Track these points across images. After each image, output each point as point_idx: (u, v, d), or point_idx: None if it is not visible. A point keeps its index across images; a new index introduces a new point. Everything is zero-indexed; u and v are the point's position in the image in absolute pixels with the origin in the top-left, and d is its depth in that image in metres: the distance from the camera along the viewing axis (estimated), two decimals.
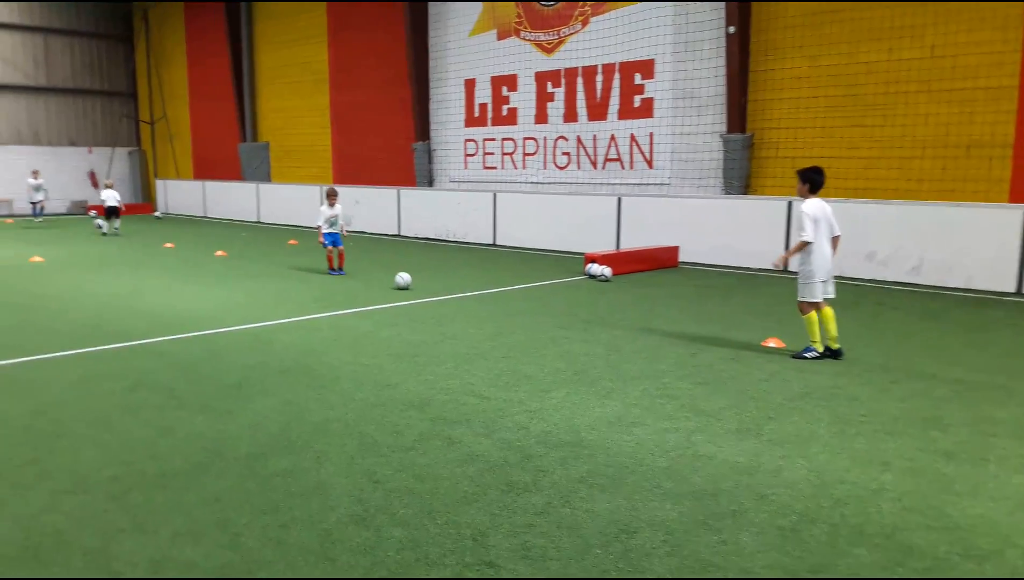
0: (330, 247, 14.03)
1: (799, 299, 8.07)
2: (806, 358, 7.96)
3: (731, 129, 15.75)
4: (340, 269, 14.13)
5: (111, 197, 21.65)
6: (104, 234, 21.72)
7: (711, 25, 15.93)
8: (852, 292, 12.51)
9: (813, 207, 8.00)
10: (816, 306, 7.96)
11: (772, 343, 8.63)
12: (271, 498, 4.52)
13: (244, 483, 4.73)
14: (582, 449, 5.34)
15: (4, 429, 5.71)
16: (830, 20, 14.53)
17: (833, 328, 7.96)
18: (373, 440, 5.47)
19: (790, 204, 14.56)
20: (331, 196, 13.97)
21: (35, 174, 24.65)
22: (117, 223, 21.78)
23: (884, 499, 4.61)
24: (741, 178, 15.79)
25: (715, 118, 16.18)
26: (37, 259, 15.92)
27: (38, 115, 31.30)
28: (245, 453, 5.22)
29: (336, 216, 13.88)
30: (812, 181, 8.11)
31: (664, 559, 3.87)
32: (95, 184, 32.88)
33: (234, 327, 9.32)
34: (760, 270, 14.79)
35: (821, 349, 8.01)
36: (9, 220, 27.85)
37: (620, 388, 6.84)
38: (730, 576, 3.73)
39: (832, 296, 8.03)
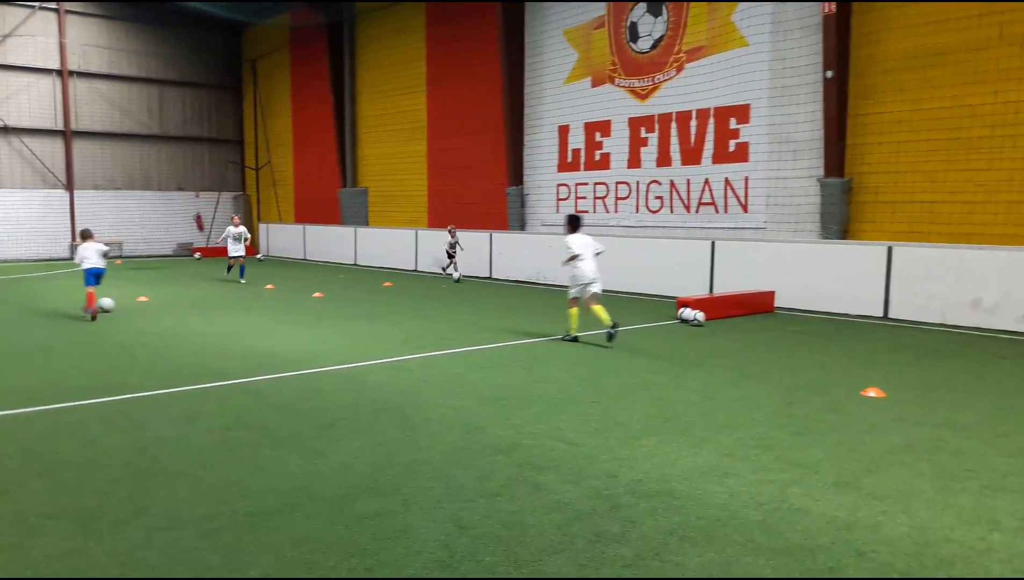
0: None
1: (568, 297, 11.53)
2: (565, 340, 11.38)
3: (829, 173, 15.31)
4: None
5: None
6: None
7: (808, 70, 15.63)
8: (957, 340, 11.85)
9: (575, 239, 11.31)
10: (576, 303, 11.35)
11: (872, 393, 8.24)
12: (358, 540, 4.54)
13: (332, 524, 4.77)
14: (673, 500, 5.18)
15: (106, 465, 5.91)
16: (932, 64, 14.03)
17: (604, 317, 11.05)
18: (460, 484, 5.45)
19: (890, 250, 14.00)
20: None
21: (235, 220, 21.04)
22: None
23: (993, 560, 4.29)
24: (839, 222, 15.27)
25: (812, 162, 15.77)
26: (143, 299, 16.75)
27: (150, 161, 33.27)
28: (334, 494, 5.28)
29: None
30: (573, 223, 11.54)
31: None
32: (200, 227, 34.66)
33: (329, 367, 9.54)
34: (860, 317, 14.20)
35: (575, 334, 11.41)
36: (119, 261, 29.55)
37: (713, 437, 6.62)
38: None
39: (600, 293, 11.25)
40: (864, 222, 15.17)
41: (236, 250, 20.65)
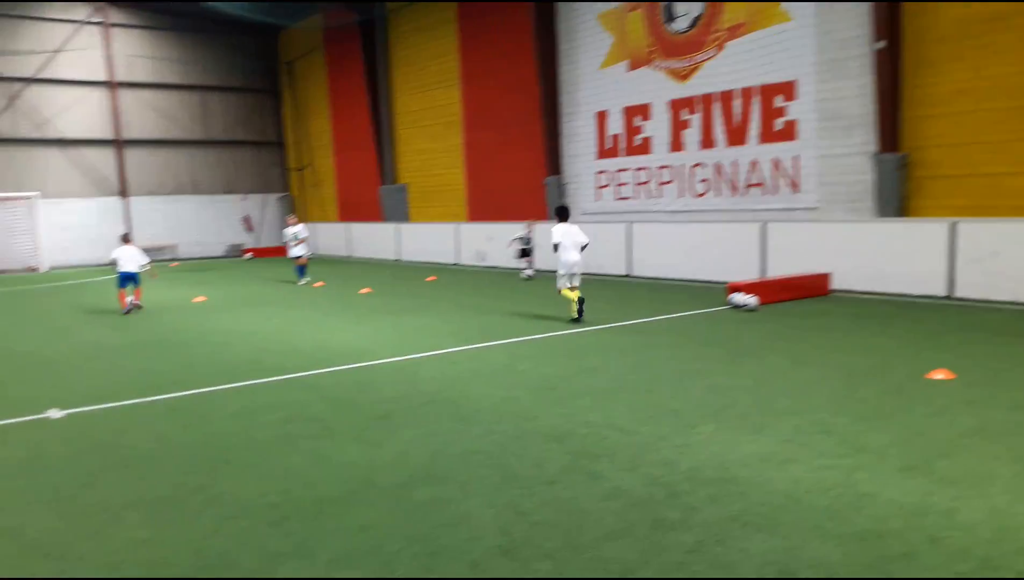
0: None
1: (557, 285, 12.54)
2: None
3: (883, 149, 14.89)
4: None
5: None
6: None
7: (856, 42, 15.20)
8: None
9: (559, 229, 12.21)
10: (568, 290, 12.33)
11: (940, 375, 7.96)
12: (419, 527, 4.57)
13: (393, 511, 4.82)
14: (733, 486, 5.09)
15: (176, 457, 6.11)
16: (992, 29, 13.51)
17: (574, 302, 12.18)
18: (515, 473, 5.45)
19: (954, 226, 13.56)
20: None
21: (289, 221, 21.17)
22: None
23: None
24: (896, 200, 14.85)
25: (865, 138, 15.35)
26: (200, 299, 17.14)
27: (197, 166, 33.98)
28: (393, 482, 5.33)
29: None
30: (560, 214, 12.59)
31: None
32: (250, 228, 35.30)
33: (380, 361, 9.63)
34: (921, 297, 13.80)
35: (575, 314, 12.12)
36: (174, 264, 30.25)
37: (772, 423, 6.50)
38: None
39: (577, 285, 12.33)
40: (923, 198, 14.72)
41: (294, 250, 20.23)
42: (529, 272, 19.84)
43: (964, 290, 13.49)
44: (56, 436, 6.82)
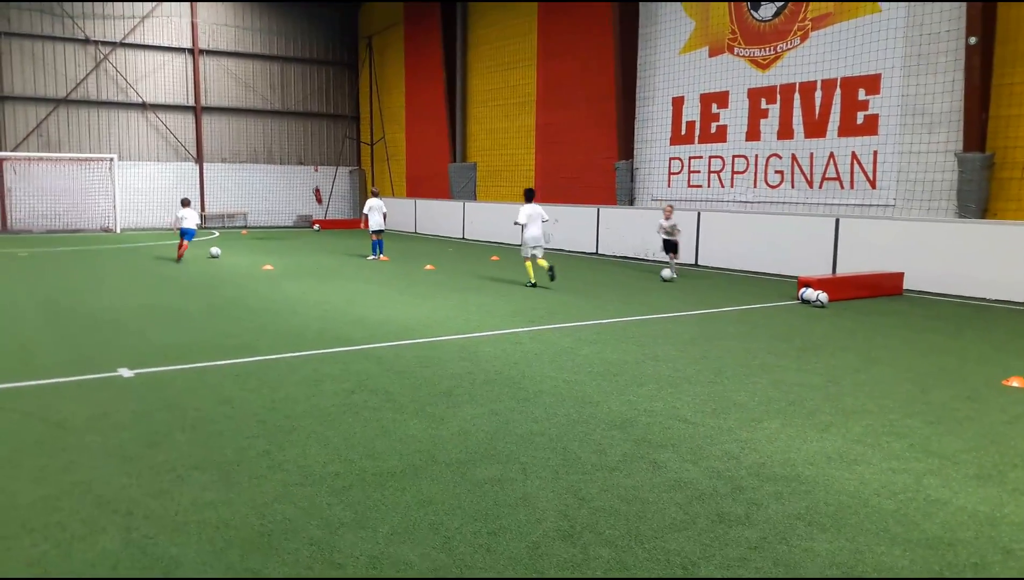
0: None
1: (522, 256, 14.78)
2: (527, 286, 14.49)
3: (968, 147, 14.31)
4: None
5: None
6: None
7: (948, 36, 14.61)
8: None
9: (524, 209, 14.50)
10: (528, 259, 14.67)
11: (1016, 382, 7.69)
12: (480, 505, 4.61)
13: (455, 488, 4.87)
14: (799, 484, 5.00)
15: (242, 422, 6.23)
16: None
17: (543, 264, 14.38)
18: (576, 457, 5.45)
19: None
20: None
21: (374, 194, 20.95)
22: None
23: None
24: (979, 201, 14.28)
25: (949, 136, 14.78)
26: (268, 267, 17.53)
27: (272, 135, 34.73)
28: (455, 458, 5.38)
29: None
30: (526, 196, 14.77)
31: None
32: (319, 200, 35.94)
33: (442, 337, 9.72)
34: (999, 301, 13.28)
35: (534, 281, 14.62)
36: (244, 232, 31.00)
37: (840, 422, 6.36)
38: None
39: (540, 256, 14.58)
40: (1007, 201, 14.13)
41: (372, 224, 19.92)
42: (669, 273, 15.96)
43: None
44: (126, 395, 6.97)
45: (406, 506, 4.59)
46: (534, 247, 14.54)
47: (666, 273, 15.96)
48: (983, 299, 13.58)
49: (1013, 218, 13.94)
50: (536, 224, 14.45)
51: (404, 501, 4.66)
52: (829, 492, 4.88)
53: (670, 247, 16.27)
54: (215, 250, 19.96)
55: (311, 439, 5.79)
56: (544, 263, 14.42)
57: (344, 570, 3.84)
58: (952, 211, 14.78)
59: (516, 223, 14.64)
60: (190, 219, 18.53)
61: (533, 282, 14.62)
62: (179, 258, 18.53)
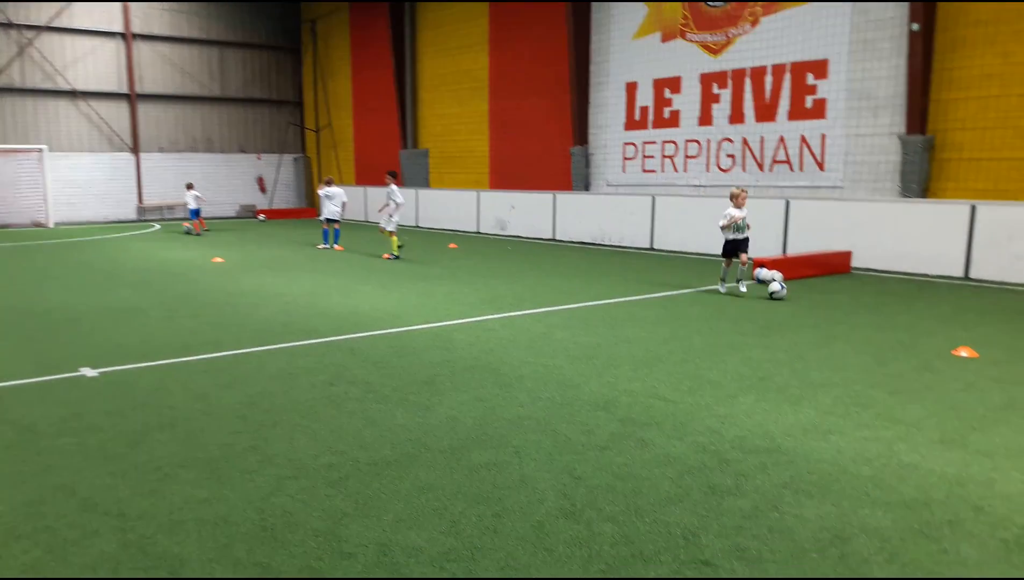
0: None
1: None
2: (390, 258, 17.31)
3: (911, 130, 14.87)
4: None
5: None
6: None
7: (891, 23, 15.12)
8: None
9: (399, 189, 17.42)
10: (389, 234, 17.52)
11: (964, 353, 8.14)
12: (480, 488, 4.70)
13: (452, 474, 4.94)
14: (780, 455, 5.23)
15: (222, 418, 6.13)
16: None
17: (394, 244, 17.40)
18: (566, 438, 5.58)
19: (974, 208, 13.61)
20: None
21: (328, 182, 20.49)
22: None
23: None
24: (920, 181, 14.87)
25: (893, 119, 15.33)
26: (218, 260, 17.21)
27: (212, 123, 33.79)
28: (447, 445, 5.46)
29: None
30: (395, 176, 17.48)
31: (884, 566, 3.78)
32: (263, 189, 35.26)
33: (414, 327, 9.74)
34: (939, 277, 13.90)
35: (397, 253, 17.28)
36: (186, 223, 30.14)
37: (810, 395, 6.63)
38: None
39: (393, 229, 17.42)
40: (946, 181, 14.75)
41: (325, 212, 19.96)
42: (740, 285, 12.20)
43: (980, 272, 13.61)
44: (94, 395, 6.78)
45: (406, 493, 4.65)
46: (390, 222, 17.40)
47: (741, 286, 12.09)
48: (925, 275, 14.17)
49: (952, 197, 14.56)
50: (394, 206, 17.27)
51: (404, 489, 4.72)
52: (809, 462, 5.12)
53: (738, 248, 12.03)
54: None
55: (297, 432, 5.76)
56: (395, 241, 17.49)
57: (355, 559, 3.88)
58: (896, 191, 15.35)
59: (398, 204, 17.32)
60: (191, 201, 23.98)
61: (396, 255, 17.37)
62: (197, 231, 24.52)
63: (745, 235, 12.00)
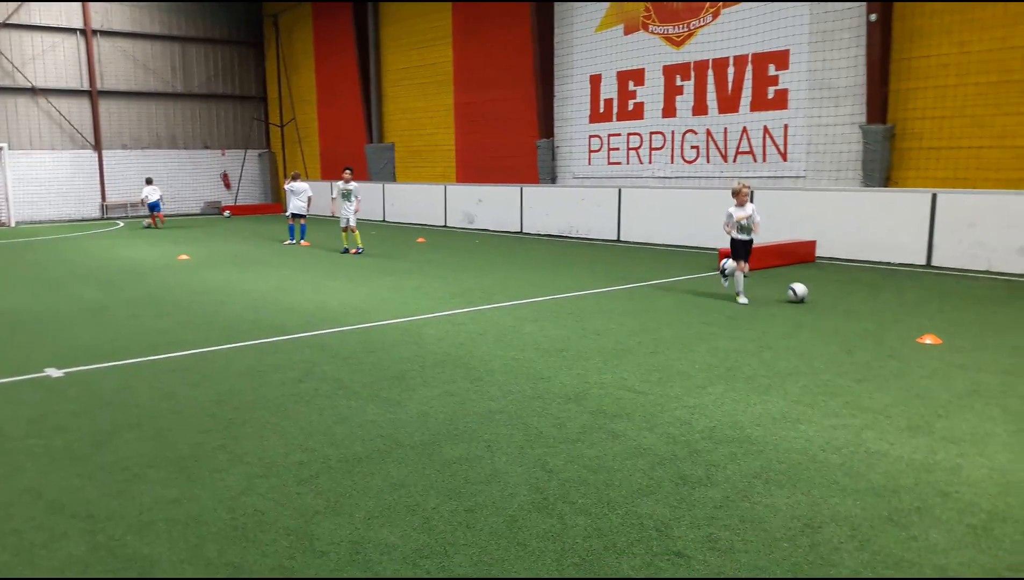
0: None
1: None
2: (351, 253, 17.41)
3: (871, 119, 15.10)
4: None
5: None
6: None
7: (850, 13, 15.32)
8: (1005, 287, 11.83)
9: (340, 184, 17.65)
10: (345, 230, 17.55)
11: (928, 340, 8.28)
12: (452, 484, 4.69)
13: (424, 469, 4.93)
14: (750, 445, 5.28)
15: (190, 416, 6.07)
16: (980, 4, 13.70)
17: (356, 239, 17.45)
18: (538, 431, 5.59)
19: (935, 197, 13.86)
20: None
21: (295, 177, 20.10)
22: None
23: None
24: (882, 170, 15.11)
25: (854, 108, 15.55)
26: (184, 257, 16.97)
27: (175, 120, 33.28)
28: (419, 441, 5.43)
29: None
30: (352, 170, 17.95)
31: (854, 554, 3.83)
32: (228, 185, 34.82)
33: (383, 322, 9.69)
34: (902, 265, 14.14)
35: (351, 249, 17.48)
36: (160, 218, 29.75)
37: (778, 385, 6.71)
38: (926, 574, 3.63)
39: (353, 225, 17.48)
40: (907, 169, 15.00)
41: (291, 207, 19.73)
42: (742, 297, 10.85)
43: (942, 260, 13.87)
44: (59, 395, 6.69)
45: (378, 490, 4.63)
46: (347, 218, 17.45)
47: (741, 298, 10.81)
48: (888, 263, 14.41)
49: (913, 185, 14.81)
50: (350, 202, 17.48)
51: (375, 485, 4.69)
52: (779, 451, 5.18)
53: (738, 251, 10.95)
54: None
55: (267, 430, 5.72)
56: (356, 239, 17.54)
57: (327, 557, 3.85)
58: (858, 180, 15.58)
59: (334, 199, 17.94)
60: (152, 195, 24.81)
61: (346, 248, 17.60)
62: (155, 225, 25.20)
63: (749, 237, 10.74)
